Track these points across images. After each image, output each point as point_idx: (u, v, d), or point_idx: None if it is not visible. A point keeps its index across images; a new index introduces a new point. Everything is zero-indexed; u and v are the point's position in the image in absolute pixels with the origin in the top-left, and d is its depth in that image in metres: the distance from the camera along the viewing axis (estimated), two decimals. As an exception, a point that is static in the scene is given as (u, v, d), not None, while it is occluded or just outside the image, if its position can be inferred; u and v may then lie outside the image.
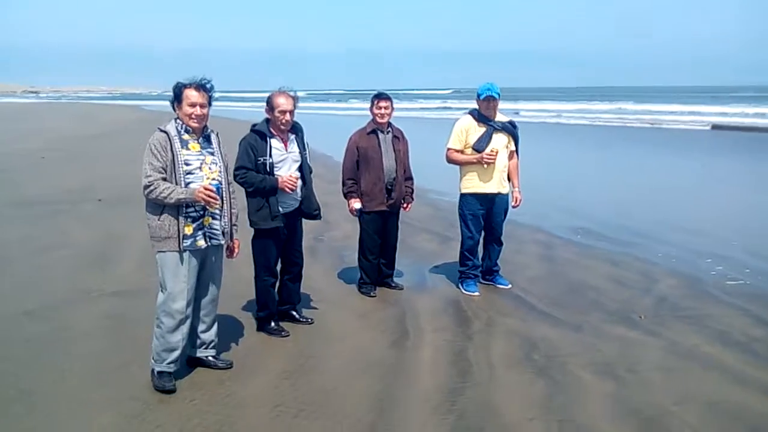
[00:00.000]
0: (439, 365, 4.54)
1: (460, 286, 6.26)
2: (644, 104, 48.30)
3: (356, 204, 5.90)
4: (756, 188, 12.68)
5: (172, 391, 4.07)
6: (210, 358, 4.43)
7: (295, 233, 5.13)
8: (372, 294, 6.05)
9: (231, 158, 4.48)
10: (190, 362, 4.42)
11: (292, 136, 4.97)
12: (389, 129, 5.99)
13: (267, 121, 4.89)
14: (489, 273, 6.40)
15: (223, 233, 4.20)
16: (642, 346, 4.90)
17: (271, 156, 4.79)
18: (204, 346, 4.42)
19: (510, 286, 6.34)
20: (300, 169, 4.97)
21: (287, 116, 4.79)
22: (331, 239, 8.15)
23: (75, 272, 6.66)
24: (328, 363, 4.58)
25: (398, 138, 6.03)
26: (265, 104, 4.91)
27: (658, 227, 8.94)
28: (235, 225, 4.37)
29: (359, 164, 5.89)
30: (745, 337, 5.07)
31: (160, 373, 4.15)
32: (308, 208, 5.07)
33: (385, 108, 5.87)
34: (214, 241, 4.16)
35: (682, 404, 3.96)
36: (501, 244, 6.36)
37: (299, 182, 4.93)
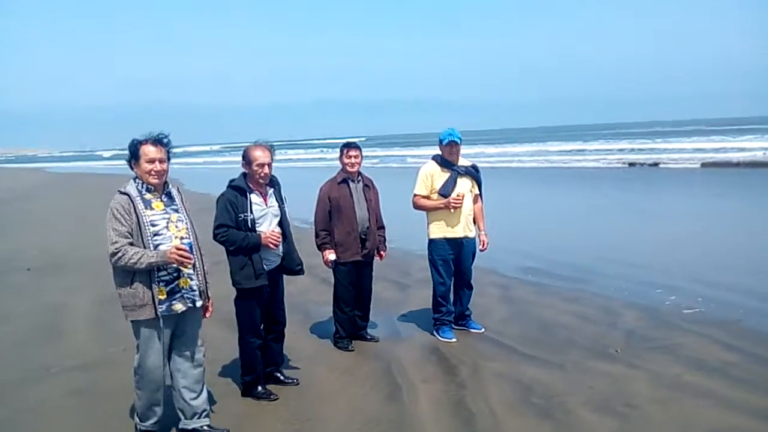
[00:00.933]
0: (441, 417, 4.45)
1: (435, 333, 6.22)
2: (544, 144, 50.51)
3: (331, 255, 5.79)
4: (685, 220, 13.30)
5: None
6: (205, 428, 4.19)
7: (277, 291, 4.97)
8: (350, 348, 5.92)
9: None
10: None
11: (271, 190, 4.85)
12: (359, 178, 5.95)
13: (244, 175, 4.75)
14: (461, 318, 6.40)
15: (200, 293, 4.02)
16: (629, 379, 4.98)
17: (251, 212, 4.65)
18: (196, 416, 4.18)
19: (483, 330, 6.36)
20: (280, 223, 4.85)
21: (266, 169, 4.67)
22: (290, 295, 7.91)
23: (24, 348, 6.20)
24: (326, 425, 4.42)
25: (369, 187, 5.99)
26: (241, 159, 4.77)
27: (601, 263, 9.20)
28: (207, 282, 4.18)
29: (331, 215, 5.80)
30: (719, 362, 5.26)
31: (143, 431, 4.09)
32: (290, 264, 4.94)
33: (355, 157, 5.82)
34: (197, 303, 3.99)
35: (687, 435, 4.05)
36: (471, 288, 6.40)
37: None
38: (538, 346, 5.84)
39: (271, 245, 4.68)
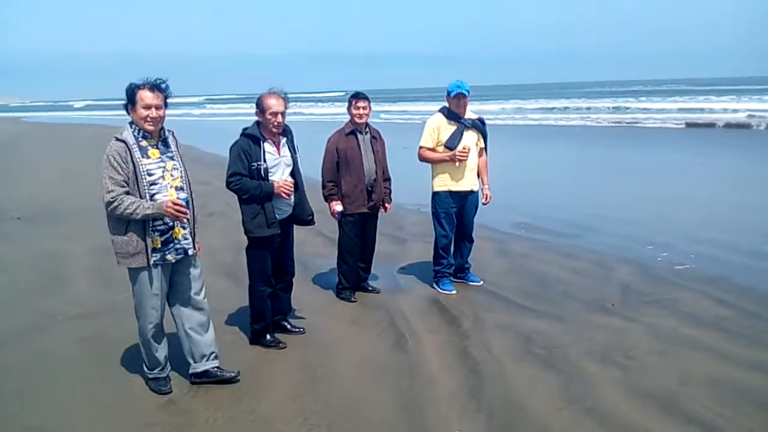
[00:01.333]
0: (449, 365, 4.57)
1: (435, 285, 6.33)
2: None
3: (338, 207, 5.81)
4: (672, 178, 13.45)
5: (169, 393, 4.14)
6: (214, 369, 4.28)
7: (287, 241, 5.00)
8: (353, 299, 6.01)
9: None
10: (197, 376, 4.26)
11: (283, 140, 4.83)
12: (367, 130, 5.92)
13: (257, 124, 4.74)
14: (461, 270, 6.51)
15: (192, 241, 4.07)
16: (627, 332, 5.12)
17: (265, 161, 4.64)
18: (205, 358, 4.26)
19: (482, 282, 6.48)
20: (292, 173, 4.86)
21: (279, 118, 4.64)
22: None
23: (26, 296, 6.22)
24: (338, 371, 4.52)
25: (376, 138, 5.97)
26: (254, 107, 4.73)
27: (592, 219, 9.34)
28: (196, 229, 4.18)
29: (339, 166, 5.79)
30: (714, 317, 5.42)
31: (155, 379, 4.19)
32: (302, 214, 4.97)
33: (363, 108, 5.78)
34: (189, 252, 4.04)
35: (686, 385, 4.19)
36: (472, 241, 6.49)
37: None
38: (536, 299, 5.98)
39: (284, 194, 4.68)
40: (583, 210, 10.10)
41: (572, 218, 9.46)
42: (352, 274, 6.09)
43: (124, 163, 3.71)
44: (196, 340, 4.20)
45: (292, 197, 4.83)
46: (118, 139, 3.76)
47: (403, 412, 3.92)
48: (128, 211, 3.67)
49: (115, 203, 3.66)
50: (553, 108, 43.38)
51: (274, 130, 4.69)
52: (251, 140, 4.66)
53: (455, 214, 6.19)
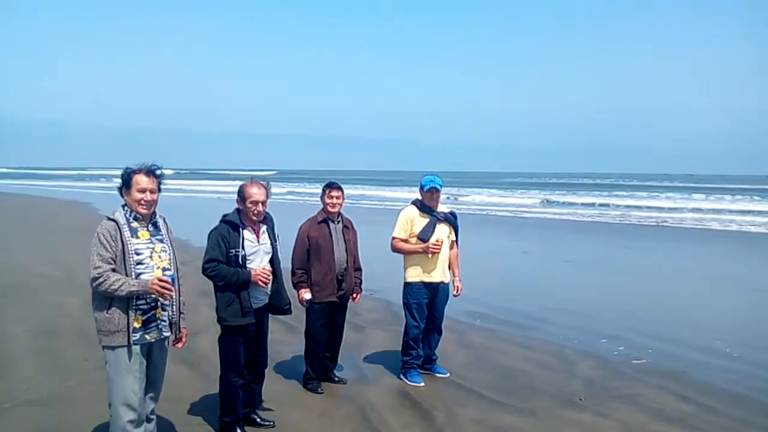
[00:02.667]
0: (428, 463, 4.45)
1: (403, 377, 6.24)
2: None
3: (307, 294, 5.75)
4: (619, 271, 13.79)
5: None
6: None
7: (261, 330, 4.90)
8: (319, 390, 5.85)
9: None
10: None
11: (264, 227, 4.82)
12: (339, 219, 5.98)
13: (238, 211, 4.72)
14: (428, 362, 6.45)
15: (170, 324, 4.04)
16: (600, 428, 5.14)
17: (243, 248, 4.60)
18: None
19: (448, 374, 6.43)
20: (271, 261, 4.81)
21: (260, 207, 4.65)
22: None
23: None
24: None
25: (348, 228, 6.03)
26: (236, 195, 4.74)
27: (544, 311, 9.47)
28: (182, 313, 4.18)
29: (309, 254, 5.79)
30: (678, 412, 5.51)
31: None
32: (279, 303, 4.90)
33: (337, 198, 5.86)
34: (164, 333, 4.01)
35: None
36: (441, 332, 6.48)
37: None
38: (505, 393, 5.95)
39: (260, 283, 4.63)
40: (536, 301, 10.23)
41: (524, 309, 9.57)
42: (320, 364, 5.96)
43: (113, 241, 3.76)
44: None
45: (269, 286, 4.77)
46: (109, 219, 3.83)
47: None
48: (113, 287, 3.68)
49: (101, 279, 3.68)
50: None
51: (254, 218, 4.68)
52: (230, 227, 4.63)
53: (426, 305, 6.19)
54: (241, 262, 4.57)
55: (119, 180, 3.93)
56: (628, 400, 5.80)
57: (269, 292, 4.81)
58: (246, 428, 4.84)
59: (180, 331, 4.17)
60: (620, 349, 7.46)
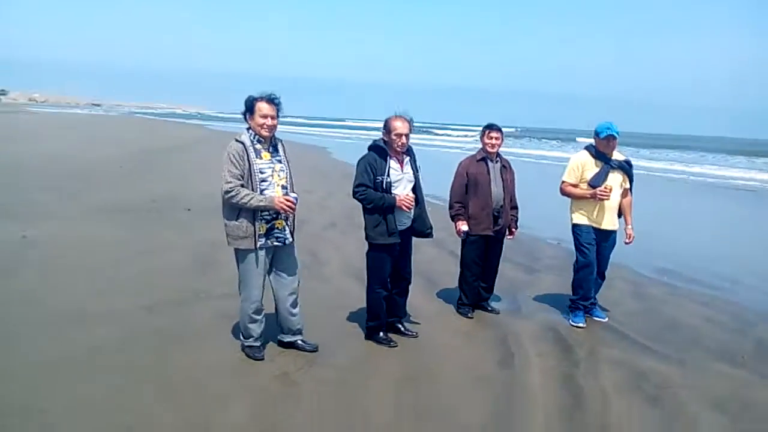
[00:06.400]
0: (550, 387, 4.61)
1: (569, 315, 6.26)
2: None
3: (463, 226, 6.05)
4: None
5: (262, 359, 4.75)
6: (299, 342, 5.00)
7: (406, 250, 5.32)
8: (470, 315, 6.18)
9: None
10: (282, 344, 4.96)
11: (407, 158, 5.19)
12: (498, 158, 6.18)
13: (384, 142, 5.12)
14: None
15: (290, 233, 4.68)
16: (751, 386, 4.84)
17: (388, 175, 5.01)
18: (292, 333, 4.92)
19: (607, 319, 6.35)
20: (413, 189, 5.19)
21: (403, 139, 5.02)
22: (416, 262, 8.24)
23: (182, 275, 7.01)
24: (439, 374, 4.75)
25: (506, 168, 6.22)
26: (382, 128, 5.15)
27: (740, 272, 8.78)
28: (295, 225, 4.85)
29: (468, 188, 6.07)
30: None
31: (249, 347, 4.82)
32: (421, 227, 5.27)
33: (496, 138, 6.08)
34: (286, 241, 4.66)
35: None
36: (604, 278, 6.41)
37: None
38: (661, 341, 5.78)
39: (404, 207, 5.03)
40: (732, 262, 9.51)
41: (720, 270, 8.92)
42: (473, 291, 6.26)
43: (241, 160, 4.40)
44: (286, 318, 4.86)
45: (413, 211, 5.15)
46: (237, 141, 4.47)
47: (493, 420, 4.06)
48: (243, 201, 4.34)
49: (232, 193, 4.34)
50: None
51: (398, 149, 5.06)
52: (378, 154, 5.05)
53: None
54: (386, 188, 4.99)
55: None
56: (800, 365, 5.35)
57: (412, 217, 5.20)
58: (390, 335, 5.35)
59: (293, 239, 4.83)
60: (815, 318, 6.76)
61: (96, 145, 25.22)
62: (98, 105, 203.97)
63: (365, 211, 5.10)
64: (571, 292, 6.39)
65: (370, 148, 5.16)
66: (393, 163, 5.07)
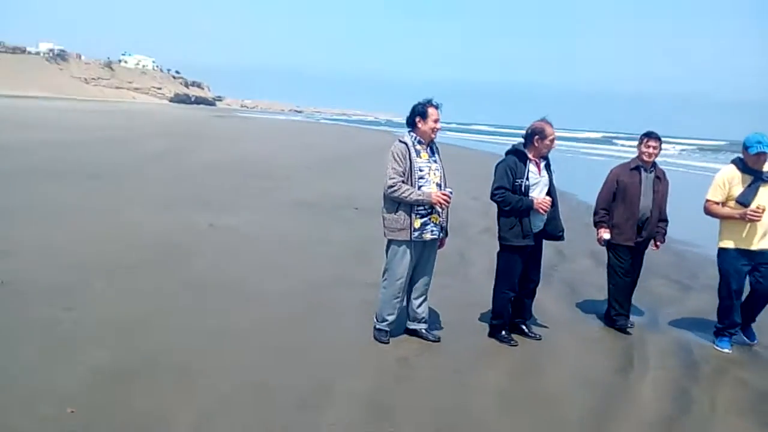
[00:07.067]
0: (661, 398, 4.67)
1: (714, 338, 5.94)
2: None
3: (605, 234, 6.02)
4: None
5: (386, 343, 5.24)
6: (423, 330, 5.43)
7: (537, 252, 5.60)
8: (628, 327, 6.07)
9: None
10: (408, 331, 5.44)
11: (543, 163, 5.48)
12: (653, 168, 6.04)
13: (524, 146, 5.43)
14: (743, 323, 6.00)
15: (441, 228, 5.12)
16: None
17: (527, 179, 5.31)
18: (417, 321, 5.39)
19: (757, 342, 6.02)
20: (548, 193, 5.45)
21: (554, 144, 5.38)
22: (565, 270, 8.37)
23: (339, 264, 7.88)
24: (551, 373, 5.02)
25: (660, 179, 6.04)
26: (530, 132, 5.39)
27: None
28: (447, 221, 5.29)
29: (615, 196, 5.99)
30: None
31: (378, 329, 5.33)
32: (554, 230, 5.52)
33: (654, 147, 5.92)
34: (439, 235, 5.15)
35: None
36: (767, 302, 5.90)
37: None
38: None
39: (541, 210, 5.31)
40: None
41: None
42: (627, 300, 6.15)
43: (403, 159, 4.99)
44: (417, 307, 5.38)
45: (547, 213, 5.40)
46: (401, 141, 5.09)
47: (591, 418, 4.28)
48: (404, 195, 4.92)
49: (395, 188, 4.94)
50: None
51: (545, 152, 5.39)
52: (518, 158, 5.36)
53: (746, 273, 5.71)
54: (524, 191, 5.28)
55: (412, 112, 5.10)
56: None
57: (545, 220, 5.44)
58: (513, 335, 5.63)
59: (446, 235, 5.32)
60: None
61: (293, 150, 27.66)
62: (300, 111, 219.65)
63: (501, 213, 5.39)
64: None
65: (509, 152, 5.46)
66: (532, 167, 5.36)
